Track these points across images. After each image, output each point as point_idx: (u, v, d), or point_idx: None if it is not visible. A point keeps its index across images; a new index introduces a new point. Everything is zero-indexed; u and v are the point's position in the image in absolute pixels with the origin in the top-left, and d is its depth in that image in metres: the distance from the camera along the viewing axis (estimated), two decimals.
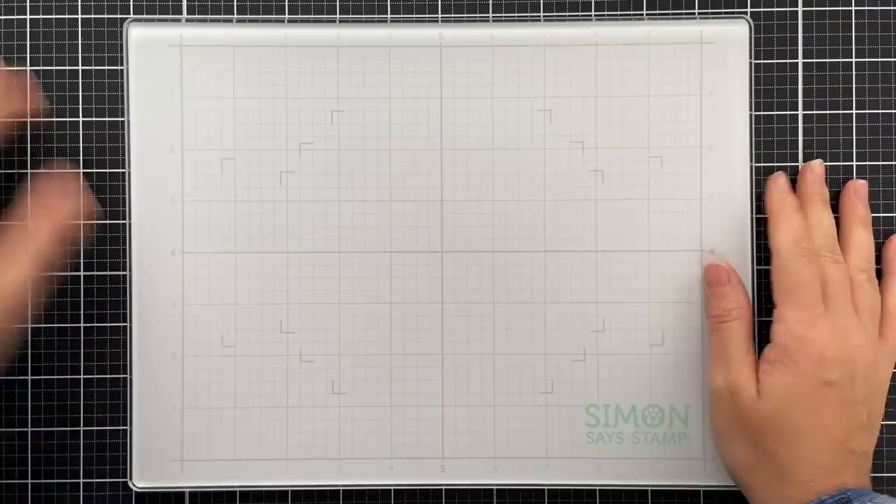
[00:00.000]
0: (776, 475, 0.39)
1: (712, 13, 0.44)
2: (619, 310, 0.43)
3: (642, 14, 0.44)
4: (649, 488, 0.44)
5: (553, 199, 0.43)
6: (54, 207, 0.40)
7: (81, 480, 0.44)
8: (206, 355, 0.43)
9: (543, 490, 0.44)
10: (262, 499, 0.44)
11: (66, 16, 0.44)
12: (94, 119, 0.44)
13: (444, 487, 0.44)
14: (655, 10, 0.44)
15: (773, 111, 0.44)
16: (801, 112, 0.44)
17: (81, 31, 0.44)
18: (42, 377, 0.44)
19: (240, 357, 0.43)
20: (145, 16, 0.44)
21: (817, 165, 0.43)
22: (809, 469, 0.38)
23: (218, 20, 0.44)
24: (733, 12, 0.44)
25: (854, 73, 0.44)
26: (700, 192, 0.43)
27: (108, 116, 0.44)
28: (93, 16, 0.44)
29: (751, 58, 0.44)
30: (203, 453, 0.43)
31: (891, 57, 0.44)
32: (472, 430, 0.43)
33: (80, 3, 0.44)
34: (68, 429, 0.44)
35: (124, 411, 0.44)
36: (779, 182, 0.43)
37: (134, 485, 0.43)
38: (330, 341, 0.43)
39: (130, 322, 0.43)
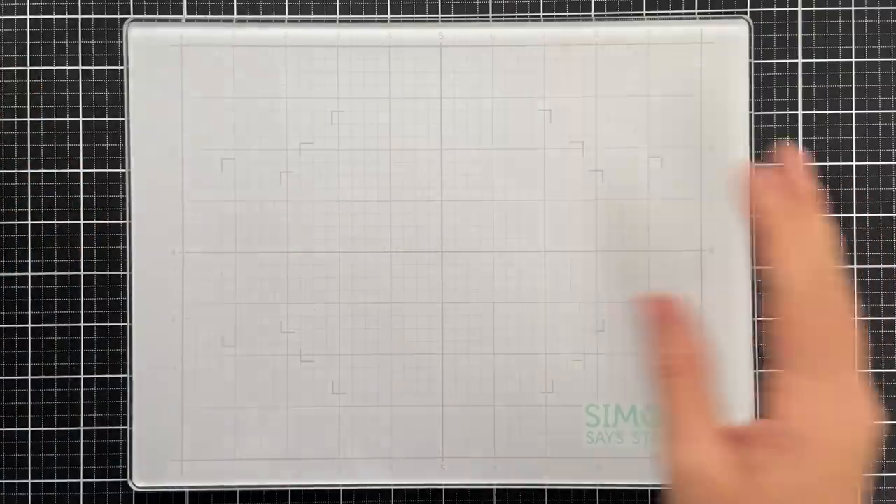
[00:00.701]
0: None
1: (712, 13, 0.44)
2: (619, 310, 0.43)
3: (642, 14, 0.44)
4: (649, 488, 0.44)
5: (553, 199, 0.43)
6: None
7: (81, 480, 0.44)
8: (206, 355, 0.43)
9: (543, 490, 0.44)
10: (262, 499, 0.44)
11: (66, 16, 0.44)
12: (94, 119, 0.44)
13: (444, 487, 0.44)
14: (655, 10, 0.44)
15: (773, 111, 0.44)
16: (801, 112, 0.44)
17: (81, 31, 0.44)
18: (42, 377, 0.44)
19: (240, 357, 0.43)
20: (145, 16, 0.44)
21: (798, 152, 0.33)
22: None
23: (218, 20, 0.44)
24: (733, 12, 0.44)
25: (854, 73, 0.44)
26: (700, 192, 0.43)
27: (108, 116, 0.44)
28: (93, 16, 0.44)
29: (751, 58, 0.44)
30: (203, 453, 0.43)
31: (891, 57, 0.44)
32: (472, 430, 0.43)
33: (80, 3, 0.44)
34: (68, 429, 0.44)
35: (124, 411, 0.44)
36: (764, 179, 0.32)
37: (134, 485, 0.43)
38: (330, 341, 0.43)
39: (130, 322, 0.43)
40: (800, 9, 0.44)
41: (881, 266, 0.44)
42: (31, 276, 0.44)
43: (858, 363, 0.30)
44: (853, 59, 0.44)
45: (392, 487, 0.44)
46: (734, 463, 0.29)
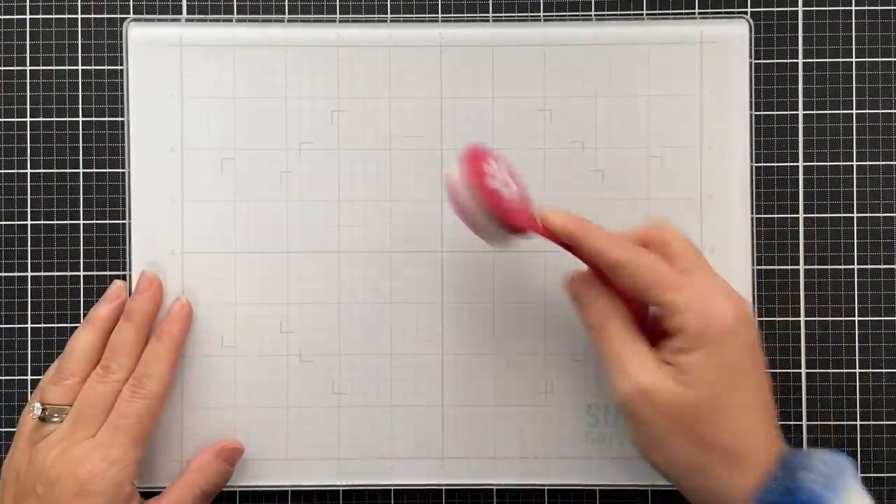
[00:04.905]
0: (726, 463, 0.36)
1: (712, 13, 0.44)
2: None
3: (642, 14, 0.44)
4: (649, 488, 0.44)
5: (553, 199, 0.43)
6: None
7: None
8: (205, 355, 0.43)
9: (543, 490, 0.44)
10: (262, 498, 0.44)
11: (66, 16, 0.44)
12: (94, 119, 0.44)
13: (444, 487, 0.44)
14: (655, 10, 0.44)
15: (773, 111, 0.44)
16: (801, 112, 0.44)
17: (81, 31, 0.44)
18: (42, 378, 0.44)
19: (240, 357, 0.43)
20: (145, 16, 0.44)
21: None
22: (757, 445, 0.36)
23: (218, 20, 0.44)
24: (733, 12, 0.44)
25: (854, 73, 0.44)
26: (700, 192, 0.43)
27: (108, 116, 0.44)
28: (93, 16, 0.44)
29: (751, 58, 0.44)
30: None
31: (891, 57, 0.44)
32: (472, 430, 0.43)
33: (79, 3, 0.44)
34: None
35: None
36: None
37: (134, 485, 0.43)
38: (330, 341, 0.43)
39: None
40: (800, 9, 0.44)
41: (881, 266, 0.44)
42: (31, 276, 0.44)
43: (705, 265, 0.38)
44: (853, 59, 0.44)
45: (392, 488, 0.44)
46: (666, 372, 0.36)
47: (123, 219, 0.44)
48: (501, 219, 0.36)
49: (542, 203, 0.41)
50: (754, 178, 0.44)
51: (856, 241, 0.44)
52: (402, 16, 0.44)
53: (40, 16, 0.44)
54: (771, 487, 0.35)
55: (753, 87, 0.44)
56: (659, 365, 0.36)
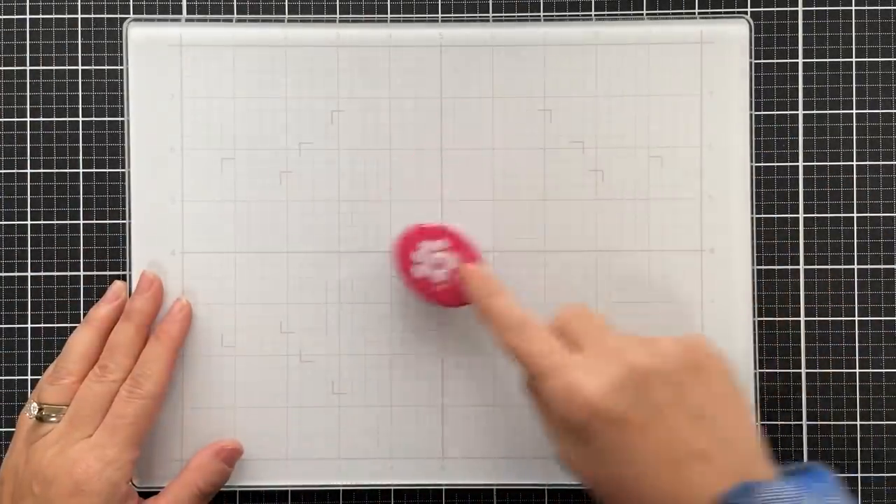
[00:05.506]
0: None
1: (712, 13, 0.44)
2: (619, 309, 0.43)
3: (642, 14, 0.44)
4: None
5: (553, 199, 0.43)
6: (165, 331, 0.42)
7: None
8: (205, 355, 0.43)
9: (543, 490, 0.44)
10: (262, 498, 0.44)
11: (66, 16, 0.44)
12: (94, 119, 0.44)
13: (444, 487, 0.44)
14: (655, 9, 0.44)
15: (773, 111, 0.44)
16: (801, 112, 0.44)
17: (81, 31, 0.44)
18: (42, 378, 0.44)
19: (240, 357, 0.43)
20: (145, 16, 0.44)
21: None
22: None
23: (218, 20, 0.44)
24: (733, 12, 0.44)
25: (854, 73, 0.44)
26: (700, 192, 0.43)
27: (108, 116, 0.44)
28: (93, 16, 0.44)
29: (751, 58, 0.44)
30: None
31: (891, 57, 0.44)
32: (472, 430, 0.43)
33: (79, 3, 0.44)
34: None
35: None
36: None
37: (134, 485, 0.43)
38: (330, 341, 0.43)
39: None
40: (800, 9, 0.44)
41: (881, 266, 0.44)
42: (31, 276, 0.44)
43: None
44: (853, 59, 0.44)
45: (392, 488, 0.44)
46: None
47: (123, 219, 0.44)
48: (433, 302, 0.41)
49: (542, 202, 0.41)
50: (754, 177, 0.44)
51: (856, 241, 0.44)
52: (402, 16, 0.44)
53: (40, 16, 0.44)
54: None
55: (753, 87, 0.44)
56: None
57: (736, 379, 0.36)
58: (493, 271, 0.40)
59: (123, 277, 0.44)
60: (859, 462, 0.44)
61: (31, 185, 0.44)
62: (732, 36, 0.43)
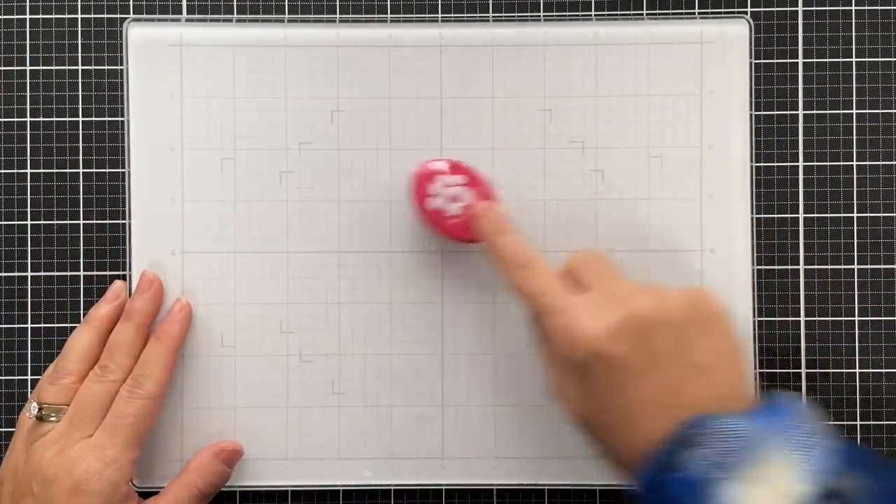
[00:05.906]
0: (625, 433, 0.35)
1: (712, 13, 0.44)
2: None
3: (642, 14, 0.44)
4: None
5: (553, 199, 0.43)
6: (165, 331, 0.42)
7: None
8: (205, 355, 0.43)
9: (543, 490, 0.44)
10: (262, 499, 0.44)
11: (66, 16, 0.44)
12: (94, 119, 0.44)
13: (444, 487, 0.44)
14: (655, 9, 0.44)
15: (773, 111, 0.44)
16: (801, 112, 0.44)
17: (81, 31, 0.44)
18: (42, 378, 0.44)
19: (240, 357, 0.43)
20: (145, 16, 0.44)
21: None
22: (656, 424, 0.34)
23: (218, 20, 0.44)
24: (733, 12, 0.44)
25: (854, 73, 0.44)
26: (700, 192, 0.43)
27: (108, 116, 0.44)
28: (93, 16, 0.44)
29: (751, 58, 0.44)
30: None
31: (891, 57, 0.44)
32: (472, 430, 0.43)
33: (79, 3, 0.44)
34: None
35: None
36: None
37: (134, 485, 0.43)
38: (330, 341, 0.43)
39: None
40: (800, 9, 0.44)
41: (881, 266, 0.44)
42: (31, 276, 0.44)
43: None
44: (853, 59, 0.44)
45: (392, 488, 0.44)
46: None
47: (123, 219, 0.44)
48: (443, 235, 0.41)
49: (542, 202, 0.41)
50: (754, 177, 0.44)
51: (856, 241, 0.44)
52: (402, 16, 0.44)
53: (40, 16, 0.44)
54: (652, 464, 0.33)
55: (753, 87, 0.44)
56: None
57: (737, 335, 0.36)
58: (506, 211, 0.40)
59: (123, 277, 0.44)
60: None
61: (31, 185, 0.44)
62: (732, 36, 0.43)
